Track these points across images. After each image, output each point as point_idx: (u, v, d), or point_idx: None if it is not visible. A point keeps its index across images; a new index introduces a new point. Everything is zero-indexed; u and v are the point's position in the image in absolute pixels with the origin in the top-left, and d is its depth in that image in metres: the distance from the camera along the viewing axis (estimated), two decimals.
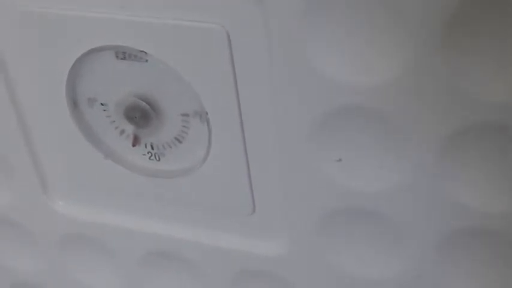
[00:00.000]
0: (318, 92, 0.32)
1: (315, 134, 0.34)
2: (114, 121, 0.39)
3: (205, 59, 0.34)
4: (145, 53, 0.35)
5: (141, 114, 0.38)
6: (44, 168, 0.43)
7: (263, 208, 0.39)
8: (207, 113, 0.37)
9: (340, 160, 0.35)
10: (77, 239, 0.45)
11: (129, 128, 0.39)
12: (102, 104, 0.39)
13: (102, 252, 0.45)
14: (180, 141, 0.39)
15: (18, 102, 0.41)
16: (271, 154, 0.37)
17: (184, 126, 0.38)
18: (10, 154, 0.42)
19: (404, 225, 0.35)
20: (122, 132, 0.40)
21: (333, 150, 0.35)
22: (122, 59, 0.37)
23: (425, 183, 0.33)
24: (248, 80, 0.34)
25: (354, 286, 0.40)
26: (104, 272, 0.46)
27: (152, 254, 0.43)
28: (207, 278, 0.43)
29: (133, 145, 0.39)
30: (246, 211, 0.39)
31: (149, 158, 0.40)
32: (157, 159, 0.40)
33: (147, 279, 0.45)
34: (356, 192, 0.36)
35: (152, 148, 0.40)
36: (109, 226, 0.43)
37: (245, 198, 0.39)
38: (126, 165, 0.41)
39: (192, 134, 0.38)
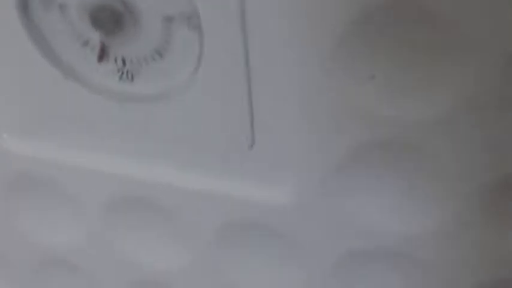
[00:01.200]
0: None
1: (338, 52, 0.26)
2: (76, 28, 0.31)
3: None
4: None
5: (111, 17, 0.29)
6: None
7: (264, 142, 0.31)
8: (198, 17, 0.28)
9: (373, 77, 0.27)
10: (27, 181, 0.36)
11: (95, 37, 0.30)
12: (60, 6, 0.30)
13: (58, 198, 0.37)
14: (160, 55, 0.30)
15: None
16: (280, 72, 0.28)
17: (166, 34, 0.29)
18: None
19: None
20: (86, 43, 0.31)
21: (360, 70, 0.27)
22: None
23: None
24: None
25: (368, 244, 0.32)
26: (60, 222, 0.38)
27: (120, 200, 0.35)
28: (188, 230, 0.34)
29: (100, 59, 0.31)
30: (242, 145, 0.31)
31: (120, 77, 0.32)
32: (131, 78, 0.31)
33: (113, 231, 0.37)
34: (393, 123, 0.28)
35: (124, 64, 0.31)
36: (67, 165, 0.35)
37: (242, 128, 0.31)
38: (90, 87, 0.32)
39: (176, 45, 0.30)
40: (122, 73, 0.31)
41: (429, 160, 0.29)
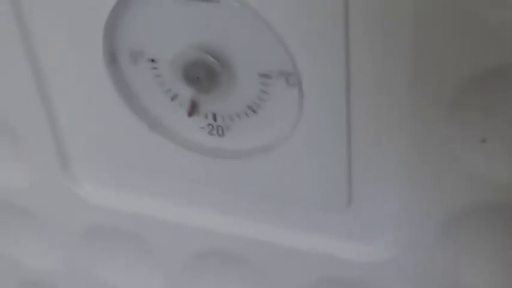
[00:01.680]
0: None
1: (449, 115, 0.25)
2: (166, 83, 0.29)
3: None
4: None
5: (206, 74, 0.28)
6: (67, 143, 0.33)
7: (361, 201, 0.30)
8: (298, 74, 0.27)
9: (484, 141, 0.26)
10: (107, 232, 0.35)
11: (186, 92, 0.29)
12: (151, 60, 0.29)
13: (139, 250, 0.35)
14: (254, 111, 0.29)
15: (37, 57, 0.31)
16: (383, 132, 0.27)
17: (262, 91, 0.28)
18: (25, 126, 0.33)
19: None
20: (175, 97, 0.30)
21: (472, 131, 0.26)
22: None
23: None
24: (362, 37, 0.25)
25: None
26: (139, 275, 0.36)
27: (204, 255, 0.34)
28: (276, 286, 0.33)
29: (190, 114, 0.30)
30: (338, 205, 0.30)
31: (209, 132, 0.30)
32: (221, 133, 0.30)
33: (194, 286, 0.35)
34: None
35: (215, 119, 0.30)
36: (150, 218, 0.34)
37: (339, 188, 0.29)
38: (177, 141, 0.31)
39: (272, 102, 0.28)
40: (212, 128, 0.30)
41: None
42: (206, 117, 0.30)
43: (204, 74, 0.28)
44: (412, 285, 0.31)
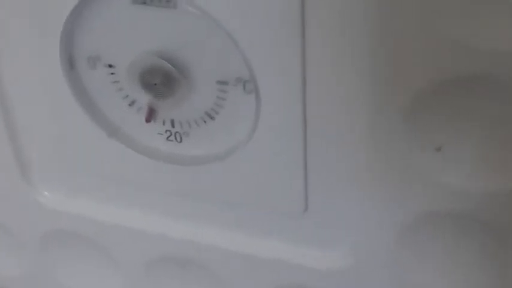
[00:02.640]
0: None
1: (405, 122, 0.26)
2: (123, 88, 0.30)
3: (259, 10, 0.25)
4: None
5: (163, 80, 0.28)
6: (25, 149, 0.33)
7: (318, 207, 0.30)
8: (255, 81, 0.27)
9: (439, 149, 0.26)
10: (67, 239, 0.35)
11: (144, 98, 0.29)
12: (109, 66, 0.29)
13: (99, 257, 0.35)
14: (211, 117, 0.29)
15: None
16: (339, 138, 0.27)
17: (219, 98, 0.28)
18: None
19: None
20: (133, 103, 0.30)
21: (428, 140, 0.26)
22: (140, 3, 0.27)
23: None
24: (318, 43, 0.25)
25: None
26: (100, 281, 0.36)
27: (163, 261, 0.34)
28: None
29: (147, 120, 0.30)
30: (295, 211, 0.30)
31: (167, 138, 0.30)
32: (179, 140, 0.30)
33: None
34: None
35: (173, 126, 0.30)
36: (110, 224, 0.34)
37: (296, 194, 0.29)
38: (135, 147, 0.31)
39: (229, 108, 0.29)
40: (170, 134, 0.30)
41: (489, 232, 0.28)
42: (164, 123, 0.30)
43: (161, 80, 0.28)
44: None
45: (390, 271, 0.30)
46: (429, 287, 0.30)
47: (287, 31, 0.25)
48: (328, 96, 0.26)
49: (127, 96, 0.30)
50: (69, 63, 0.30)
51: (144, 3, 0.27)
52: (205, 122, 0.29)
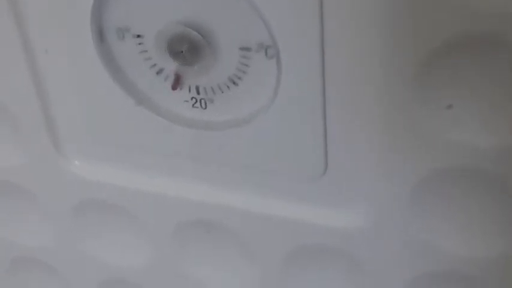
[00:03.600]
0: None
1: (418, 81, 0.27)
2: (151, 57, 0.31)
3: None
4: None
5: (189, 47, 0.30)
6: (56, 119, 0.35)
7: (337, 169, 0.31)
8: (276, 47, 0.28)
9: (450, 107, 0.27)
10: (97, 207, 0.37)
11: (170, 66, 0.31)
12: (137, 36, 0.31)
13: (128, 223, 0.37)
14: (235, 83, 0.31)
15: (27, 37, 0.32)
16: (356, 101, 0.29)
17: (242, 64, 0.30)
18: (15, 102, 0.34)
19: None
20: (160, 71, 0.31)
21: (439, 98, 0.27)
22: None
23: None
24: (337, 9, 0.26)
25: (438, 268, 0.32)
26: (130, 247, 0.38)
27: (191, 224, 0.35)
28: (257, 254, 0.35)
29: (174, 88, 0.31)
30: (315, 171, 0.31)
31: (193, 105, 0.32)
32: (204, 106, 0.32)
33: (182, 255, 0.37)
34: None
35: (198, 92, 0.31)
36: (138, 191, 0.35)
37: (316, 155, 0.31)
38: (162, 114, 0.33)
39: (252, 74, 0.30)
40: (195, 101, 0.32)
41: (501, 187, 0.29)
42: (190, 90, 0.32)
43: (187, 47, 0.30)
44: (389, 252, 0.33)
45: (408, 231, 0.32)
46: (442, 244, 0.32)
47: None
48: (344, 58, 0.28)
49: (154, 65, 0.31)
50: (99, 35, 0.31)
51: None
52: (228, 88, 0.31)
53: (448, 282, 0.33)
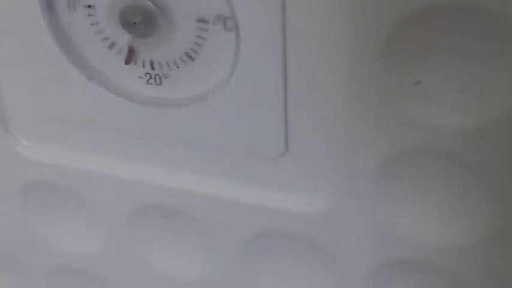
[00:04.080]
0: None
1: (384, 57, 0.26)
2: (103, 30, 0.29)
3: None
4: None
5: (143, 18, 0.28)
6: (3, 96, 0.33)
7: (298, 149, 0.30)
8: (235, 18, 0.27)
9: (418, 83, 0.26)
10: (46, 189, 0.35)
11: (123, 39, 0.29)
12: (88, 7, 0.29)
13: (78, 206, 0.35)
14: (191, 58, 0.29)
15: None
16: (318, 77, 0.27)
17: (199, 37, 0.28)
18: None
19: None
20: (112, 45, 0.30)
21: (407, 74, 0.26)
22: None
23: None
24: None
25: (400, 255, 0.31)
26: (80, 232, 0.36)
27: (144, 208, 0.34)
28: (215, 240, 0.33)
29: (127, 62, 0.30)
30: (275, 151, 0.30)
31: (147, 81, 0.30)
32: (159, 82, 0.30)
33: (135, 241, 0.35)
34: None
35: (152, 68, 0.30)
36: (88, 172, 0.34)
37: (276, 135, 0.29)
38: (114, 91, 0.31)
39: (209, 48, 0.28)
40: (150, 77, 0.30)
41: (470, 169, 0.28)
42: (144, 66, 0.30)
43: (141, 18, 0.28)
44: (353, 238, 0.31)
45: (371, 215, 0.30)
46: (408, 230, 0.30)
47: None
48: (307, 32, 0.26)
49: (107, 38, 0.30)
50: (48, 5, 0.30)
51: None
52: (185, 63, 0.29)
53: (415, 272, 0.31)
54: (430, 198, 0.29)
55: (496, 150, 0.26)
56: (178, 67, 0.29)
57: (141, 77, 0.30)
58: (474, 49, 0.25)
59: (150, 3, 0.28)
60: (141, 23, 0.28)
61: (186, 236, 0.34)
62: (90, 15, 0.29)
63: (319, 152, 0.30)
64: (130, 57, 0.29)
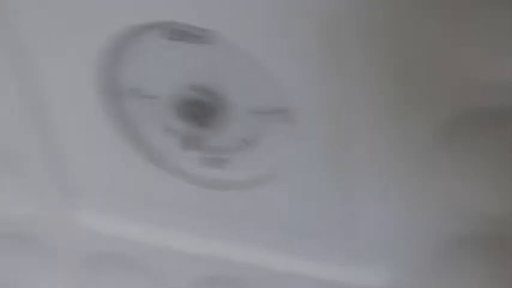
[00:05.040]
0: None
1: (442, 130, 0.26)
2: (162, 119, 0.30)
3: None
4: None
5: (201, 111, 0.29)
6: (67, 173, 0.34)
7: (359, 227, 0.30)
8: (292, 112, 0.27)
9: None
10: (108, 260, 0.36)
11: (182, 127, 0.30)
12: (148, 97, 0.30)
13: (142, 276, 0.36)
14: (248, 144, 0.30)
15: (40, 94, 0.31)
16: (378, 161, 0.28)
17: (257, 127, 0.29)
18: (26, 155, 0.33)
19: None
20: (171, 132, 0.30)
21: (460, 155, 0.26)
22: (176, 39, 0.27)
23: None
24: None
25: None
26: None
27: (207, 281, 0.34)
28: None
29: (185, 148, 0.30)
30: (338, 232, 0.30)
31: (205, 164, 0.31)
32: (216, 166, 0.31)
33: None
34: None
35: (211, 152, 0.30)
36: (152, 245, 0.34)
37: (336, 216, 0.30)
38: (172, 172, 0.31)
39: (267, 137, 0.29)
40: (207, 161, 0.31)
41: None
42: (202, 150, 0.31)
43: (199, 111, 0.29)
44: None
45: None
46: None
47: (324, 63, 0.26)
48: (366, 125, 0.27)
49: (166, 126, 0.30)
50: (112, 94, 0.30)
51: (181, 39, 0.27)
52: (242, 149, 0.30)
53: None
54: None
55: None
56: (235, 152, 0.30)
57: (198, 160, 0.31)
58: None
59: (208, 97, 0.28)
60: (198, 114, 0.29)
61: None
62: (150, 104, 0.30)
63: (379, 231, 0.30)
64: (187, 143, 0.30)
